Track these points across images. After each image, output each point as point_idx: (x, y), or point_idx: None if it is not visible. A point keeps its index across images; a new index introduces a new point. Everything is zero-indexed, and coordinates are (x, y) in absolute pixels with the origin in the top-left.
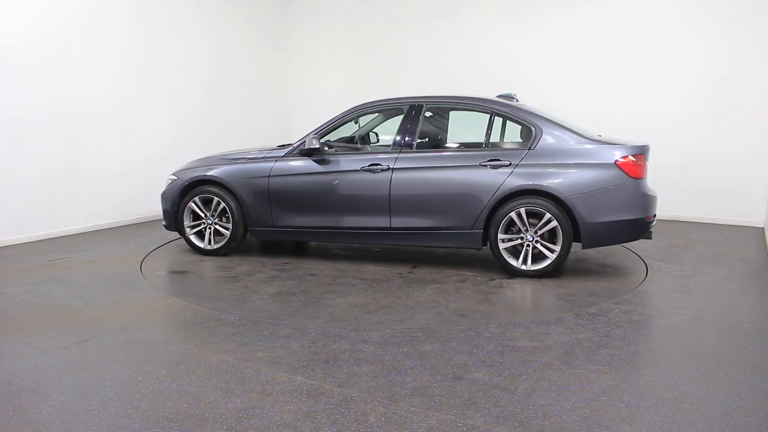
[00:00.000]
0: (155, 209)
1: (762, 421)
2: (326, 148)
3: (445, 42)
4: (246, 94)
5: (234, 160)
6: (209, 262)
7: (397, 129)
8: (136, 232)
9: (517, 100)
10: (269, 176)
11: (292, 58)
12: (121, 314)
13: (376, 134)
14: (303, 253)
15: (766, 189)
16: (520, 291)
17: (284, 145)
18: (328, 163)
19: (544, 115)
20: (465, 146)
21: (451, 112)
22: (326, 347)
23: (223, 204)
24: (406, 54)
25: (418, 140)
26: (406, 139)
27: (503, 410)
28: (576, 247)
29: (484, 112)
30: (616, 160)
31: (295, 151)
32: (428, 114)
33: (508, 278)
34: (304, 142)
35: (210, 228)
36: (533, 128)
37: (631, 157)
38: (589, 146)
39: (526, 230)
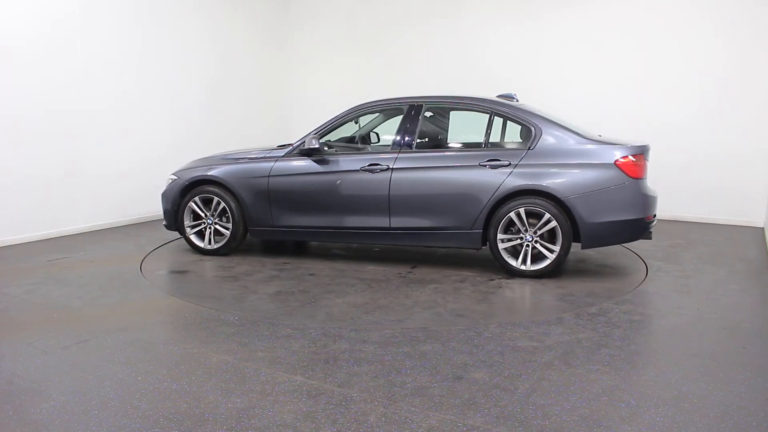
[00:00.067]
0: (155, 209)
1: (762, 421)
2: (326, 148)
3: (445, 42)
4: (246, 94)
5: (234, 160)
6: (209, 262)
7: (396, 129)
8: (136, 232)
9: (517, 100)
10: (269, 176)
11: (292, 58)
12: (121, 314)
13: (377, 134)
14: (303, 253)
15: (766, 189)
16: (519, 291)
17: (284, 145)
18: (327, 163)
19: (544, 115)
20: (464, 146)
21: (450, 112)
22: (326, 347)
23: (223, 204)
24: (406, 54)
25: (418, 140)
26: (406, 139)
27: (503, 410)
28: (576, 247)
29: (483, 112)
30: (616, 160)
31: (294, 151)
32: (428, 114)
33: (507, 278)
34: (304, 142)
35: (210, 228)
36: (533, 128)
37: (631, 157)
38: (588, 146)
39: (526, 230)
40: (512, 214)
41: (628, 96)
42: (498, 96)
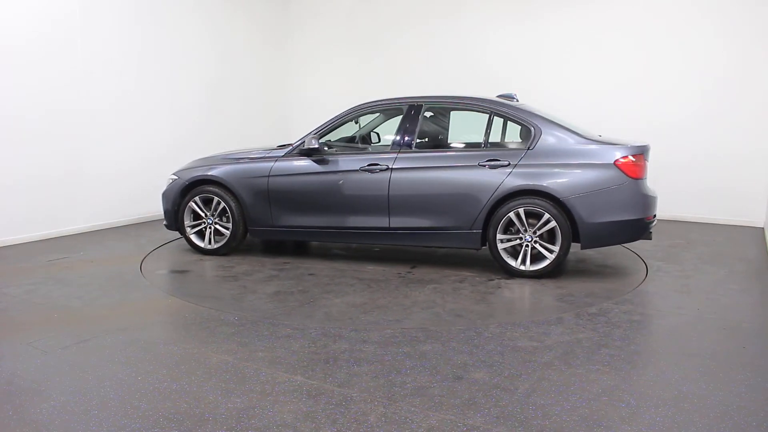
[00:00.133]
0: (155, 209)
1: (762, 421)
2: (326, 148)
3: (445, 42)
4: (246, 94)
5: (234, 160)
6: (209, 262)
7: (396, 129)
8: (136, 232)
9: (517, 100)
10: (269, 176)
11: (292, 58)
12: (121, 314)
13: (378, 134)
14: (303, 252)
15: (766, 189)
16: (518, 291)
17: (284, 145)
18: (327, 163)
19: (544, 115)
20: (464, 146)
21: (450, 112)
22: (326, 347)
23: (223, 204)
24: (406, 54)
25: (418, 140)
26: (406, 139)
27: (503, 410)
28: (575, 247)
29: (483, 112)
30: (616, 161)
31: (294, 151)
32: (427, 114)
33: (506, 278)
34: (304, 142)
35: (210, 227)
36: (532, 128)
37: (630, 158)
38: (588, 146)
39: (525, 230)
40: (512, 215)
41: (628, 96)
42: (498, 96)
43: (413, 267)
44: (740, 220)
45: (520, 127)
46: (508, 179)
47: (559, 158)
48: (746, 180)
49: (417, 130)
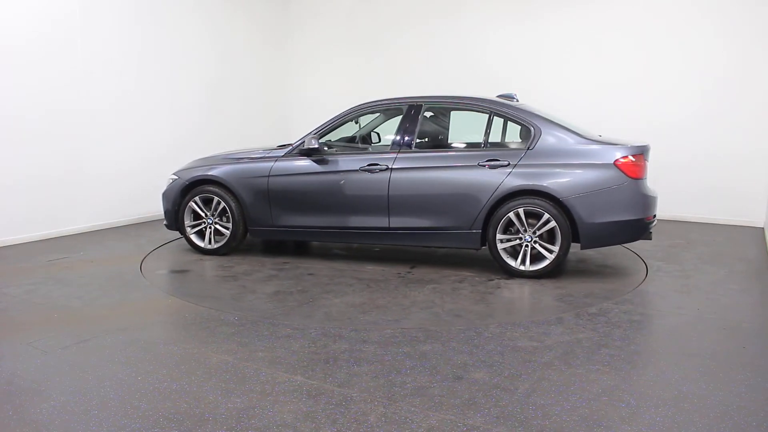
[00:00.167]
0: (155, 209)
1: (762, 421)
2: (326, 148)
3: (445, 42)
4: (246, 94)
5: (234, 160)
6: (209, 262)
7: (396, 129)
8: (136, 232)
9: (517, 100)
10: (269, 176)
11: (292, 58)
12: (121, 314)
13: (378, 134)
14: (303, 252)
15: (766, 189)
16: (518, 291)
17: (284, 145)
18: (327, 163)
19: (544, 115)
20: (464, 146)
21: (450, 112)
22: (326, 347)
23: (223, 204)
24: (406, 54)
25: (417, 140)
26: (405, 139)
27: (503, 410)
28: (575, 247)
29: (483, 112)
30: (616, 161)
31: (294, 151)
32: (427, 114)
33: (506, 279)
34: (303, 142)
35: (210, 227)
36: (532, 128)
37: (630, 158)
38: (588, 146)
39: (525, 230)
40: (511, 215)
41: (628, 96)
42: (498, 96)
43: (413, 267)
44: (740, 220)
45: (520, 127)
46: (507, 179)
47: (559, 158)
48: (746, 180)
49: (417, 130)
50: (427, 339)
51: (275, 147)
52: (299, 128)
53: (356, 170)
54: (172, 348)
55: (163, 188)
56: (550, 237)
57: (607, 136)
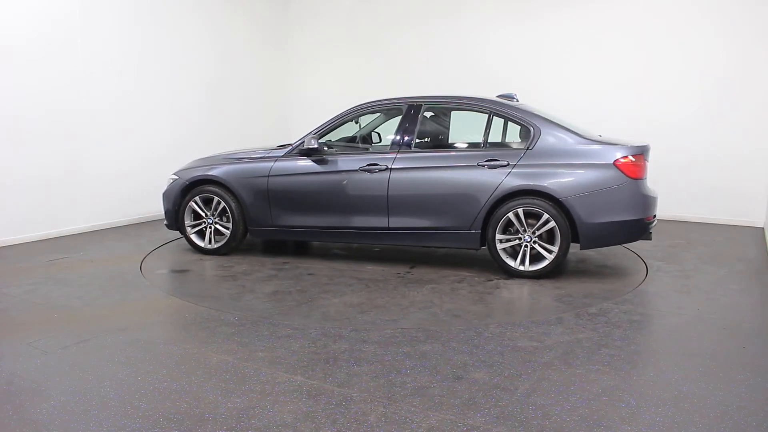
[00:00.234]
0: (155, 209)
1: (762, 421)
2: (326, 148)
3: (445, 42)
4: (246, 94)
5: (234, 160)
6: (209, 262)
7: (395, 129)
8: (136, 232)
9: (518, 100)
10: (268, 176)
11: (292, 58)
12: (121, 314)
13: (379, 134)
14: (303, 252)
15: (766, 189)
16: (517, 292)
17: (284, 145)
18: (326, 163)
19: (543, 115)
20: (463, 146)
21: (450, 112)
22: (326, 347)
23: (223, 203)
24: (406, 54)
25: (417, 140)
26: (405, 139)
27: (503, 410)
28: (575, 247)
29: (482, 112)
30: (615, 161)
31: (294, 151)
32: (427, 114)
33: (505, 279)
34: (303, 142)
35: (210, 227)
36: (532, 128)
37: (630, 158)
38: (588, 146)
39: (524, 231)
40: (511, 215)
41: (628, 96)
42: (498, 96)
43: (412, 267)
44: (740, 220)
45: (519, 127)
46: (507, 179)
47: (559, 158)
48: (746, 180)
49: (416, 130)
50: (427, 339)
51: (275, 147)
52: (299, 128)
53: (356, 170)
54: (172, 348)
55: (164, 188)
56: (549, 237)
57: (607, 136)
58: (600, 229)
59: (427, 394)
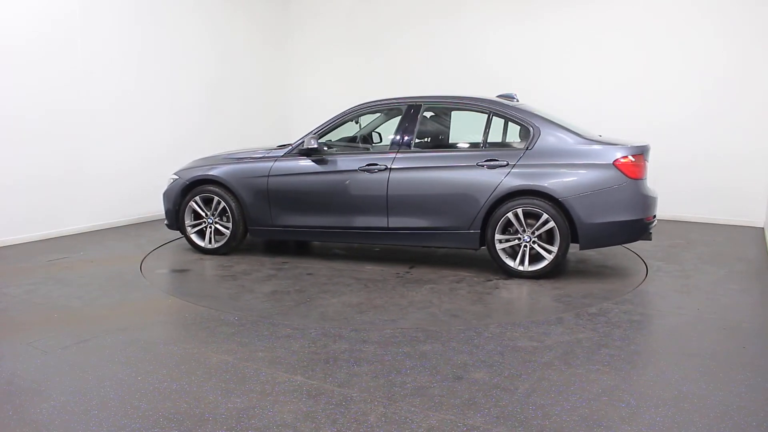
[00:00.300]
0: (155, 209)
1: (762, 421)
2: (325, 148)
3: (445, 42)
4: (246, 94)
5: (234, 160)
6: (209, 261)
7: (395, 129)
8: (136, 232)
9: (518, 100)
10: (268, 176)
11: (292, 58)
12: (121, 314)
13: (379, 134)
14: (303, 252)
15: (766, 189)
16: (516, 292)
17: (284, 145)
18: (326, 163)
19: (543, 115)
20: (463, 146)
21: (449, 112)
22: (326, 347)
23: (223, 203)
24: (406, 54)
25: (416, 140)
26: (404, 139)
27: (503, 410)
28: (576, 247)
29: (482, 112)
30: (615, 161)
31: (294, 151)
32: (426, 114)
33: (504, 279)
34: (303, 142)
35: (211, 227)
36: (531, 128)
37: (630, 158)
38: (587, 146)
39: (524, 231)
40: (510, 215)
41: (628, 96)
42: (498, 96)
43: (412, 267)
44: (740, 220)
45: (519, 127)
46: (506, 179)
47: (558, 158)
48: (746, 180)
49: (416, 130)
50: (427, 339)
51: (275, 147)
52: (299, 128)
53: (355, 170)
54: (172, 348)
55: (164, 188)
56: (549, 237)
57: (607, 136)
58: (599, 230)
59: (427, 394)
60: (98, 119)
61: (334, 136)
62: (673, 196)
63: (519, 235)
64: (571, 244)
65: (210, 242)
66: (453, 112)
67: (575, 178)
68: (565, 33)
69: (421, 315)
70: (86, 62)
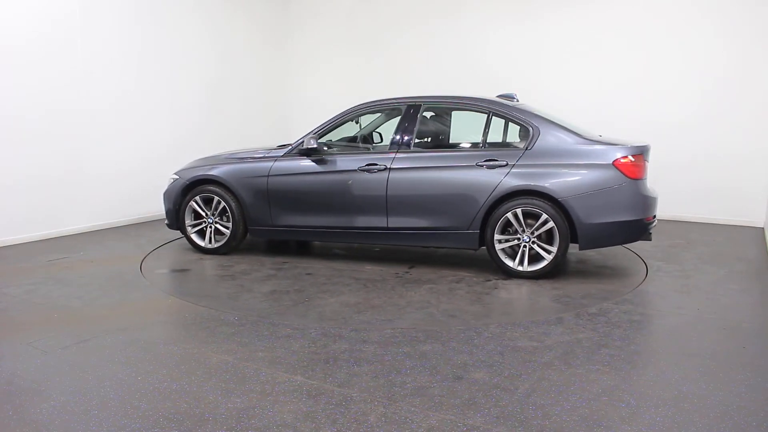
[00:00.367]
0: (155, 209)
1: (762, 421)
2: (325, 148)
3: (445, 42)
4: (246, 94)
5: (234, 160)
6: (209, 261)
7: (394, 129)
8: (136, 232)
9: (518, 100)
10: (268, 176)
11: (292, 58)
12: (121, 314)
13: (380, 134)
14: (303, 252)
15: (766, 189)
16: (515, 292)
17: (284, 145)
18: (325, 163)
19: (543, 115)
20: (462, 146)
21: (449, 112)
22: (326, 347)
23: (223, 203)
24: (406, 54)
25: (416, 140)
26: (404, 139)
27: (503, 410)
28: (575, 248)
29: (481, 112)
30: (615, 161)
31: (293, 151)
32: (426, 114)
33: (504, 279)
34: (303, 142)
35: (211, 227)
36: (531, 128)
37: (630, 158)
38: (587, 146)
39: (523, 231)
40: (509, 215)
41: (628, 96)
42: (498, 96)
43: (411, 267)
44: (740, 220)
45: (519, 127)
46: (506, 179)
47: (558, 158)
48: (746, 180)
49: (415, 130)
50: (427, 339)
51: (275, 147)
52: (299, 128)
53: (355, 170)
54: (172, 348)
55: (164, 188)
56: (548, 237)
57: (607, 136)
58: (599, 230)
59: (427, 394)
60: (98, 119)
61: (334, 136)
62: (673, 196)
63: (518, 236)
64: (571, 245)
65: (210, 242)
66: (453, 112)
67: (575, 178)
68: (565, 33)
69: (420, 315)
70: (86, 62)
